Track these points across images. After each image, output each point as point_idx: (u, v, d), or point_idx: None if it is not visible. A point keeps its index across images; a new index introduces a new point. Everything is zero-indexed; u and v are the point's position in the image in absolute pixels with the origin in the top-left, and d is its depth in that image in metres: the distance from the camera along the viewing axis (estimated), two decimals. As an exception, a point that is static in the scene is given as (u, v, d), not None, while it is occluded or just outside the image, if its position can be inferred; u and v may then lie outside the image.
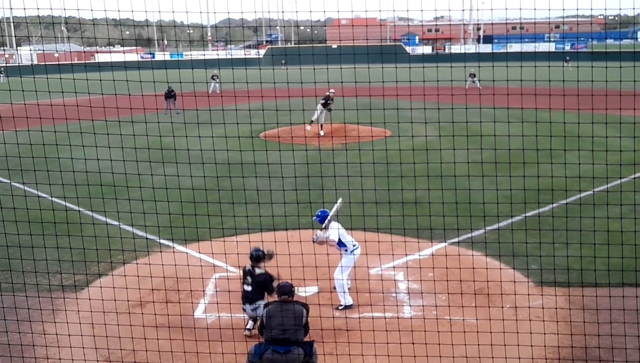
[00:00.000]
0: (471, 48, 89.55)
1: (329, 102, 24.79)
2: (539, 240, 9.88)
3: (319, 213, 9.15)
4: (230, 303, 8.79)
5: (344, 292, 9.00)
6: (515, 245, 10.04)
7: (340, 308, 8.92)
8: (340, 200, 9.22)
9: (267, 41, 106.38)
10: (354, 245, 9.08)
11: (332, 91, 24.72)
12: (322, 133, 24.86)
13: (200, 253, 10.95)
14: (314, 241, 9.02)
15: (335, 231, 8.97)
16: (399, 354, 7.09)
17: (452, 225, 10.78)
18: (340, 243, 9.00)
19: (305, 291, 9.27)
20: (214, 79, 39.74)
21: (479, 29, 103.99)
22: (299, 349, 6.62)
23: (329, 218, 9.01)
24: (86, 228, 11.73)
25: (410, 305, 9.02)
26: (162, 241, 11.76)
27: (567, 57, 51.60)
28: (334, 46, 62.60)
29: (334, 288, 9.20)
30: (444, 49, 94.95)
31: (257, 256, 8.24)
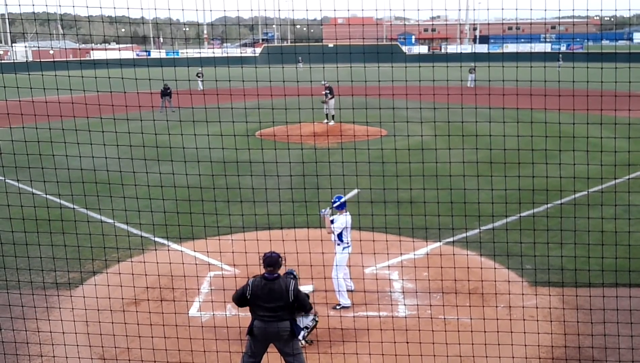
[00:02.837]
0: (467, 48, 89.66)
1: (326, 92, 25.62)
2: (534, 240, 9.90)
3: (336, 199, 9.11)
4: (225, 302, 8.78)
5: (339, 291, 9.01)
6: (510, 245, 10.07)
7: (337, 307, 8.93)
8: (356, 191, 9.18)
9: (263, 40, 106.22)
10: (347, 243, 9.09)
11: (324, 82, 25.29)
12: (332, 123, 25.90)
13: (195, 251, 10.94)
14: (320, 214, 9.03)
15: (343, 220, 8.96)
16: (393, 353, 7.10)
17: (447, 225, 10.80)
18: (340, 236, 9.00)
19: (300, 290, 9.26)
20: (198, 77, 39.69)
21: (475, 29, 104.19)
22: (288, 321, 6.51)
23: (346, 208, 9.00)
24: (81, 225, 11.70)
25: (404, 304, 9.03)
26: (156, 239, 11.74)
27: (560, 55, 51.75)
28: (331, 45, 62.59)
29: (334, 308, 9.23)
30: (440, 49, 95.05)
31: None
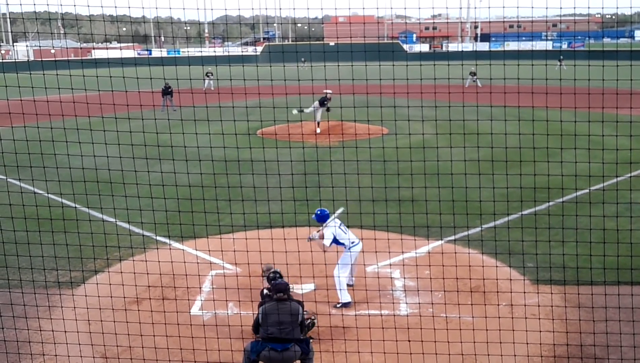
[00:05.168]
0: (468, 46, 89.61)
1: (325, 102, 24.92)
2: (535, 238, 9.89)
3: (318, 212, 9.14)
4: (226, 300, 8.80)
5: (341, 289, 9.01)
6: (512, 243, 10.07)
7: (338, 305, 8.93)
8: (341, 210, 9.24)
9: (264, 38, 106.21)
10: (352, 242, 9.07)
11: (329, 91, 24.80)
12: (318, 131, 24.83)
13: (196, 250, 10.95)
14: (309, 240, 9.02)
15: (330, 230, 8.96)
16: (395, 351, 7.11)
17: (449, 223, 10.79)
18: (336, 241, 9.00)
19: (301, 289, 9.27)
20: (208, 76, 39.69)
21: (476, 27, 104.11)
22: (295, 346, 6.64)
23: (328, 220, 9.01)
24: (82, 224, 11.71)
25: (406, 303, 9.04)
26: (158, 238, 11.75)
27: (561, 56, 51.43)
28: (332, 44, 62.57)
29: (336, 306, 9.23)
30: (442, 47, 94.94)
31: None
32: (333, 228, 8.99)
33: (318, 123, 25.33)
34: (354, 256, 9.11)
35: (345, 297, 9.00)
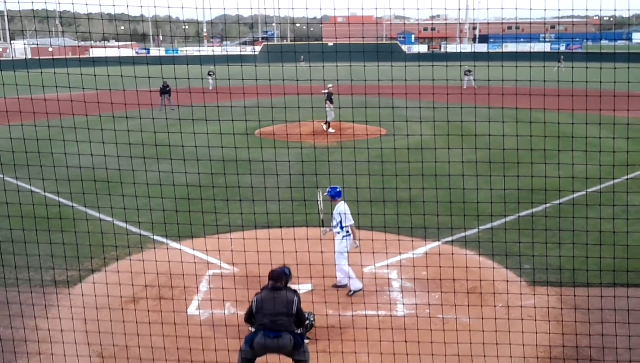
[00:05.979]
0: (467, 47, 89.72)
1: (332, 96, 25.03)
2: (532, 240, 9.91)
3: (329, 189, 9.25)
4: (223, 300, 8.80)
5: (350, 278, 9.10)
6: (508, 245, 10.08)
7: (350, 294, 9.01)
8: (319, 193, 9.34)
9: (262, 38, 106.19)
10: (347, 232, 9.19)
11: (329, 85, 24.79)
12: (332, 130, 24.94)
13: (193, 249, 10.94)
14: (324, 234, 9.20)
15: (346, 208, 9.15)
16: (392, 352, 7.11)
17: (446, 224, 10.81)
18: (341, 226, 9.10)
19: (299, 289, 9.27)
20: (210, 75, 39.55)
21: (474, 28, 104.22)
22: (289, 335, 6.60)
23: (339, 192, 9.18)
24: (79, 223, 11.69)
25: (403, 304, 9.04)
26: (155, 237, 11.74)
27: (562, 57, 51.46)
28: (330, 44, 62.58)
29: (333, 286, 9.25)
30: (440, 48, 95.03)
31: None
32: (344, 205, 9.21)
33: (328, 123, 25.45)
34: (348, 245, 9.25)
35: (356, 284, 9.17)
